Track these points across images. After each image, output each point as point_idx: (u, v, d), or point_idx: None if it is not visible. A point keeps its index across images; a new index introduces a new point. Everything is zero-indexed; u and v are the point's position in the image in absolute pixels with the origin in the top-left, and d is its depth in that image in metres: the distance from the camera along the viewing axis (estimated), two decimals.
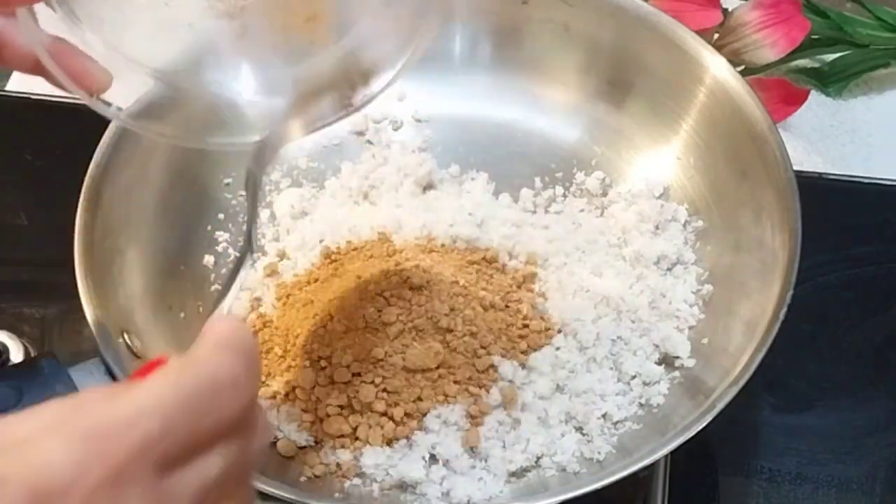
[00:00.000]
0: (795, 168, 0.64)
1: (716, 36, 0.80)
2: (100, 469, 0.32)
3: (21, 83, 0.87)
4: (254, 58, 0.53)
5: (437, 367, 0.61)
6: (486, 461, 0.60)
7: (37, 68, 0.47)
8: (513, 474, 0.59)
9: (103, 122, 0.65)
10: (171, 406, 0.34)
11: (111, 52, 0.49)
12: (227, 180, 0.72)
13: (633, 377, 0.63)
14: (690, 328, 0.65)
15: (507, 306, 0.65)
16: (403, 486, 0.59)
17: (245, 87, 0.52)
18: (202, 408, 0.35)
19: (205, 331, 0.39)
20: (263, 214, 0.71)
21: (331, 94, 0.52)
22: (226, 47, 0.52)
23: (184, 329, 0.65)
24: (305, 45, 0.52)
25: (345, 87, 0.52)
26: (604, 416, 0.61)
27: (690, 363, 0.63)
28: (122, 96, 0.49)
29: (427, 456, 0.60)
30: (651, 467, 0.58)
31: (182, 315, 0.66)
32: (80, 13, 0.48)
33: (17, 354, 0.68)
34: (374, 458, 0.59)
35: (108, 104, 0.49)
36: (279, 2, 0.53)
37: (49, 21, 0.47)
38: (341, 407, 0.61)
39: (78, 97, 0.47)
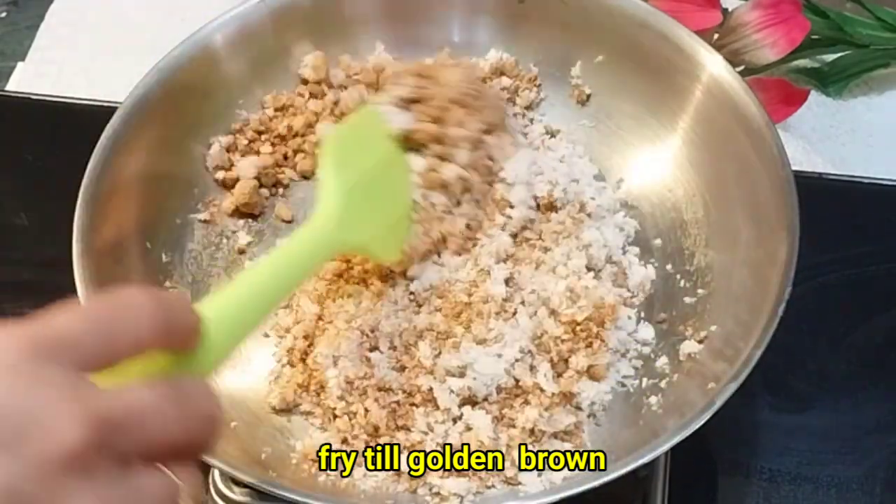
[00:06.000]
0: (795, 168, 0.63)
1: (715, 36, 0.80)
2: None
3: (21, 83, 0.87)
4: None
5: None
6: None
7: None
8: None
9: (103, 122, 0.66)
10: (79, 319, 0.39)
11: None
12: None
13: (636, 378, 0.63)
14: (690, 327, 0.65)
15: None
16: (408, 488, 0.59)
17: None
18: (111, 317, 0.40)
19: None
20: None
21: None
22: None
23: None
24: None
25: None
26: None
27: (690, 363, 0.63)
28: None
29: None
30: (651, 467, 0.58)
31: None
32: None
33: None
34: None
35: None
36: None
37: None
38: None
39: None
